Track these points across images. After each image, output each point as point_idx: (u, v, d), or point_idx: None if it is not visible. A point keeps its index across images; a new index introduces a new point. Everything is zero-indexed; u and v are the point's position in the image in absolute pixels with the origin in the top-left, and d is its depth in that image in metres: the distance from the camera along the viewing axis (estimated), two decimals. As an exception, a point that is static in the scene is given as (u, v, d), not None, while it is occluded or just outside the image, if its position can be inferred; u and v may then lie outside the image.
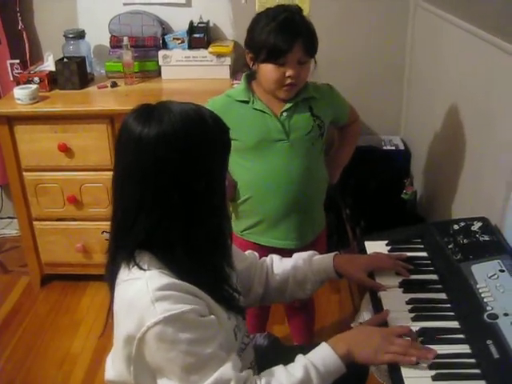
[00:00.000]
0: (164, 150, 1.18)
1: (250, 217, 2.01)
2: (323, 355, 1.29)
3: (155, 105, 1.24)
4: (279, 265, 1.64)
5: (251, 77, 1.97)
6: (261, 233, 2.01)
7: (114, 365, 1.31)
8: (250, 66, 1.91)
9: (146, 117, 1.19)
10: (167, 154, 1.18)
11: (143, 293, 1.17)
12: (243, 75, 1.99)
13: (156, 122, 1.18)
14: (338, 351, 1.28)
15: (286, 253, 1.74)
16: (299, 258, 1.65)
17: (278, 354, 1.34)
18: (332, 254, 1.63)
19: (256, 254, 1.68)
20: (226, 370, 1.19)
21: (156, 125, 1.18)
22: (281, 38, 1.79)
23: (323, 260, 1.63)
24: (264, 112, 1.90)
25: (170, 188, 1.19)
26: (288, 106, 1.91)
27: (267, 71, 1.84)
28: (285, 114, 1.91)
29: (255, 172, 1.94)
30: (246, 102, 1.92)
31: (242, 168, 1.93)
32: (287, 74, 1.82)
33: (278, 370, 1.27)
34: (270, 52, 1.80)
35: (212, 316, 1.22)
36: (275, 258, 1.67)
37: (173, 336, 1.14)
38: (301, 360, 1.28)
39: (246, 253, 1.67)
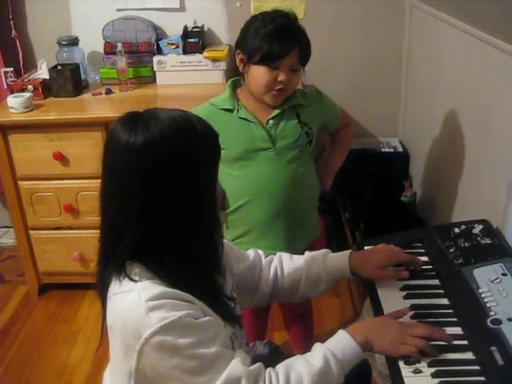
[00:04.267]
0: (151, 159, 1.15)
1: (240, 226, 1.97)
2: (342, 343, 1.27)
3: (141, 112, 1.21)
4: (290, 265, 1.60)
5: (236, 84, 1.94)
6: (250, 242, 1.95)
7: (114, 380, 1.29)
8: (240, 67, 1.86)
9: (132, 125, 1.17)
10: (155, 162, 1.15)
11: (136, 304, 1.14)
12: (228, 83, 1.95)
13: (142, 129, 1.15)
14: (356, 339, 1.27)
15: None
16: (312, 256, 1.60)
17: (279, 362, 1.31)
18: (346, 252, 1.59)
19: (260, 251, 1.64)
20: (235, 366, 1.17)
21: (142, 133, 1.15)
22: (278, 42, 1.76)
23: (338, 260, 1.58)
24: (249, 121, 1.86)
25: (158, 197, 1.17)
26: (274, 113, 1.88)
27: (259, 74, 1.80)
28: (271, 121, 1.88)
29: (243, 181, 1.91)
30: (231, 111, 1.88)
31: (229, 177, 1.89)
32: (279, 78, 1.79)
33: (297, 360, 1.25)
34: (266, 55, 1.76)
35: (209, 317, 1.20)
36: (284, 256, 1.63)
37: (173, 343, 1.12)
38: (319, 349, 1.26)
39: (249, 252, 1.63)
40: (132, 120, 1.18)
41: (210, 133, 1.24)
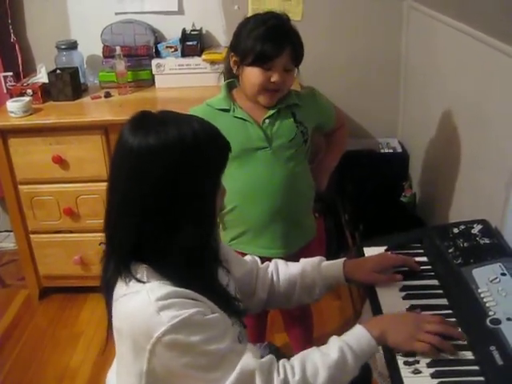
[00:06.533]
0: (159, 162, 1.16)
1: (236, 226, 1.98)
2: (358, 336, 1.29)
3: (151, 114, 1.22)
4: (285, 271, 1.61)
5: (231, 85, 1.94)
6: (247, 242, 1.98)
7: (121, 381, 1.29)
8: (234, 69, 1.88)
9: (142, 128, 1.17)
10: (162, 166, 1.16)
11: (146, 304, 1.15)
12: (223, 84, 1.96)
13: (152, 133, 1.16)
14: (372, 332, 1.29)
15: None
16: (307, 263, 1.62)
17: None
18: (341, 260, 1.61)
19: (257, 258, 1.66)
20: (247, 360, 1.18)
21: (152, 137, 1.16)
22: (270, 42, 1.77)
23: (332, 267, 1.60)
24: (245, 120, 1.87)
25: (168, 198, 1.17)
26: (270, 112, 1.88)
27: (252, 75, 1.81)
28: (267, 121, 1.88)
29: (239, 181, 1.90)
30: (227, 111, 1.89)
31: (227, 177, 1.90)
32: (272, 79, 1.80)
33: (312, 351, 1.27)
34: (258, 55, 1.77)
35: (217, 314, 1.21)
36: (280, 262, 1.64)
37: (185, 341, 1.13)
38: (335, 341, 1.28)
39: (246, 257, 1.65)
40: (141, 123, 1.19)
41: (217, 136, 1.26)
